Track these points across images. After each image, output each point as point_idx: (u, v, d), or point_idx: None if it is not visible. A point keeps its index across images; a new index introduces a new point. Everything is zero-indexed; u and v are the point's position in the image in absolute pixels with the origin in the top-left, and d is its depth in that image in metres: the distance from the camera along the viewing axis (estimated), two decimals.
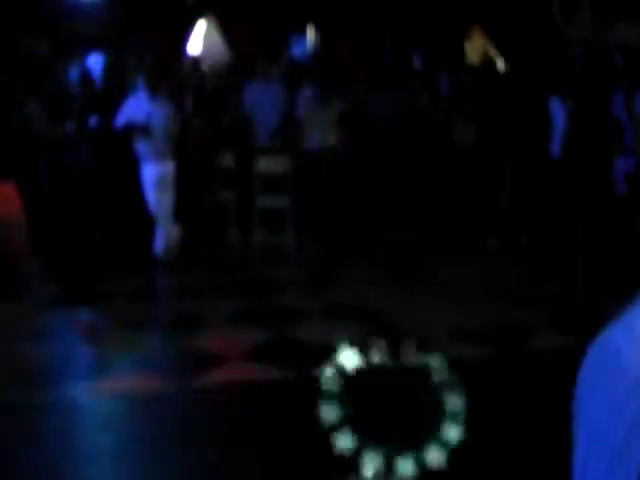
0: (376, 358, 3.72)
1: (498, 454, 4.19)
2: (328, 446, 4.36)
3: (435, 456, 3.58)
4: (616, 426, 0.95)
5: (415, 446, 3.53)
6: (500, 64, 10.94)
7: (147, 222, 7.82)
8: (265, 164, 8.71)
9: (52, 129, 7.61)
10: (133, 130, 7.61)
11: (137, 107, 7.60)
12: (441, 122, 9.59)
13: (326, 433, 4.48)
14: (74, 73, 9.08)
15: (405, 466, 3.52)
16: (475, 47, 11.79)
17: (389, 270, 7.85)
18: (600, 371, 0.99)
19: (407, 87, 9.89)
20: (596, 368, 1.00)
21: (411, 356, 3.90)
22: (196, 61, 10.29)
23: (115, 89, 8.83)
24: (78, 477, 4.16)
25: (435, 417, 3.69)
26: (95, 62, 9.75)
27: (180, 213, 8.13)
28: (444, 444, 3.61)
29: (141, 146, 7.68)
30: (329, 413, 3.64)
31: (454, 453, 4.28)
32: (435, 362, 3.85)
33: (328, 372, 3.67)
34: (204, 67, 10.28)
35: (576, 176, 8.35)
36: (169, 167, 7.81)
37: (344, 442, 3.59)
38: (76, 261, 7.19)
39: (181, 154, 8.05)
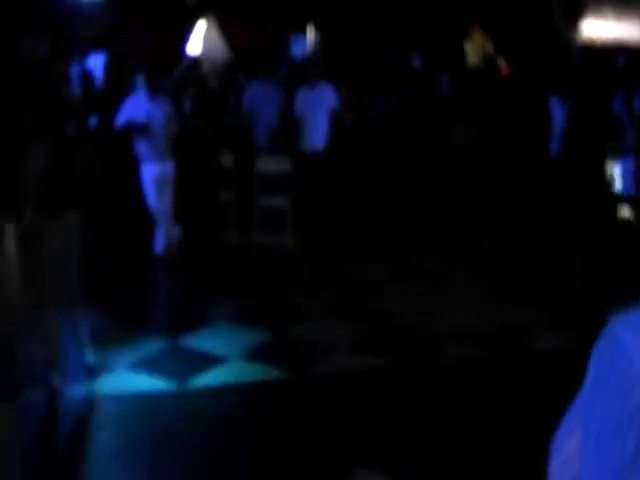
0: None
1: (498, 453, 4.19)
2: (328, 445, 4.36)
3: None
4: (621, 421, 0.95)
5: None
6: (500, 64, 10.93)
7: (147, 222, 7.83)
8: (265, 164, 8.71)
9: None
10: (133, 130, 7.62)
11: (137, 107, 7.60)
12: (441, 122, 9.58)
13: (326, 432, 4.48)
14: (74, 73, 9.08)
15: None
16: (475, 47, 11.78)
17: (389, 270, 7.85)
18: (611, 378, 0.98)
19: (407, 87, 9.89)
20: (607, 373, 0.99)
21: None
22: (196, 61, 10.29)
23: (115, 89, 8.83)
24: (77, 477, 4.16)
25: None
26: (95, 62, 9.76)
27: (180, 213, 8.14)
28: None
29: (141, 146, 7.68)
30: None
31: (454, 452, 4.29)
32: None
33: None
34: (204, 67, 10.28)
35: (575, 176, 8.35)
36: (169, 167, 7.82)
37: None
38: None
39: (181, 154, 8.06)
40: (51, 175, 4.49)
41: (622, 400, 0.95)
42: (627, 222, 8.18)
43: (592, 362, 1.04)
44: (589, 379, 1.03)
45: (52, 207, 4.47)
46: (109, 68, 9.60)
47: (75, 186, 4.69)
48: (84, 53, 9.82)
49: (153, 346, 5.82)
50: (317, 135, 8.69)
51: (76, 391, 4.65)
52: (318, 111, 8.64)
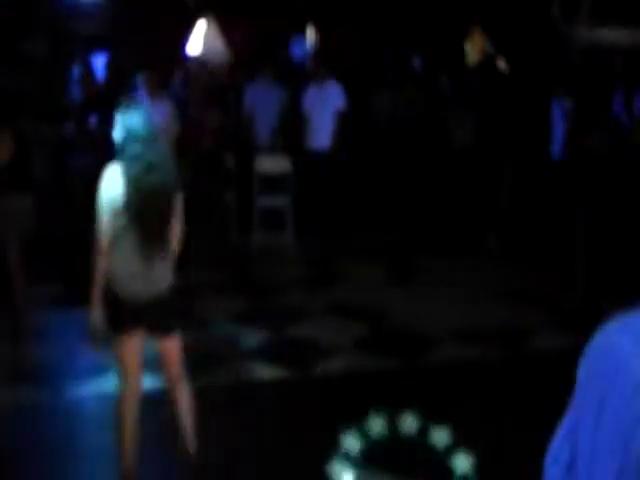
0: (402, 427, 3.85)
1: (497, 453, 4.20)
2: (328, 445, 4.36)
3: None
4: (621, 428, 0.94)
5: None
6: (500, 64, 10.94)
7: None
8: (265, 164, 8.71)
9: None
10: None
11: None
12: (440, 123, 9.58)
13: (326, 432, 4.48)
14: (75, 73, 9.09)
15: None
16: (475, 47, 11.78)
17: (389, 270, 7.85)
18: (611, 380, 0.97)
19: (407, 88, 9.89)
20: (605, 376, 0.98)
21: (411, 426, 4.00)
22: (202, 62, 10.25)
23: (115, 89, 8.82)
24: (78, 477, 4.16)
25: None
26: (96, 62, 9.76)
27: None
28: None
29: None
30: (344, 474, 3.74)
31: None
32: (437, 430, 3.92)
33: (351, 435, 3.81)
34: (204, 67, 10.26)
35: (576, 177, 8.35)
36: None
37: None
38: (77, 260, 7.18)
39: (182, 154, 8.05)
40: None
41: (624, 410, 0.93)
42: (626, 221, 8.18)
43: (585, 365, 1.02)
44: (583, 383, 1.01)
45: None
46: (109, 68, 9.60)
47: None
48: (85, 53, 9.82)
49: (153, 346, 5.81)
50: (322, 134, 8.64)
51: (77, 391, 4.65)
52: (325, 109, 8.58)
